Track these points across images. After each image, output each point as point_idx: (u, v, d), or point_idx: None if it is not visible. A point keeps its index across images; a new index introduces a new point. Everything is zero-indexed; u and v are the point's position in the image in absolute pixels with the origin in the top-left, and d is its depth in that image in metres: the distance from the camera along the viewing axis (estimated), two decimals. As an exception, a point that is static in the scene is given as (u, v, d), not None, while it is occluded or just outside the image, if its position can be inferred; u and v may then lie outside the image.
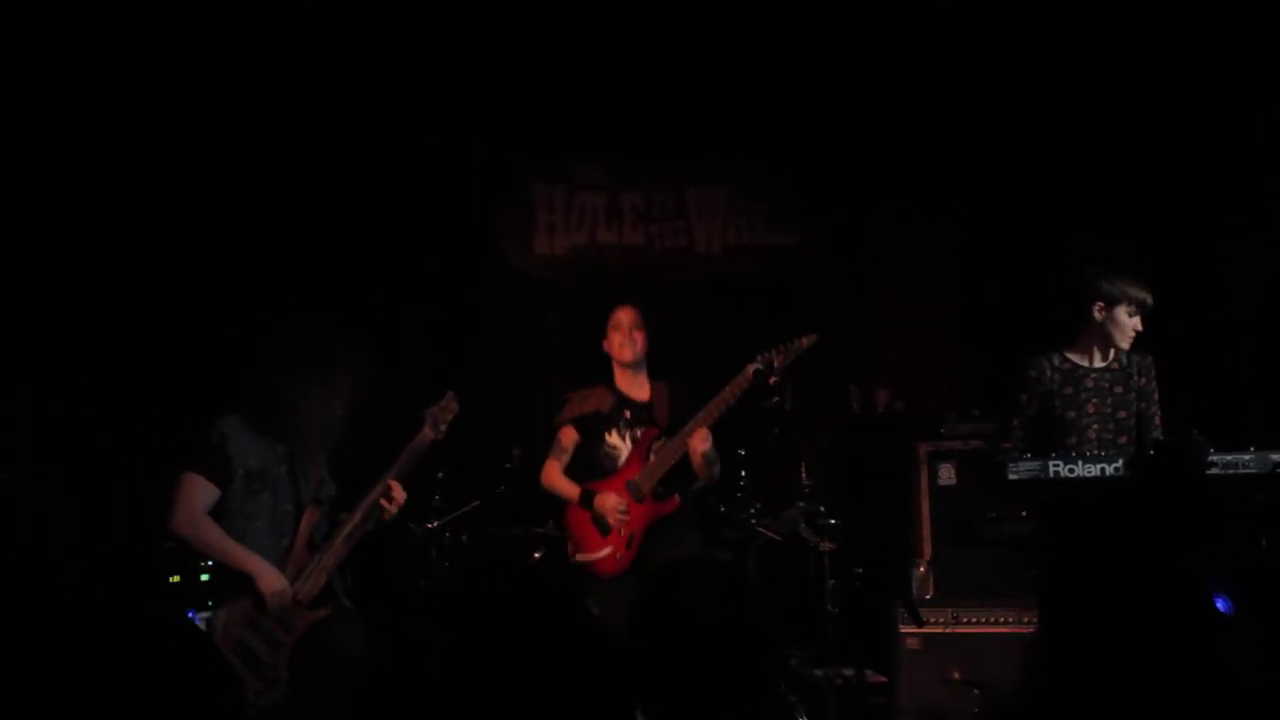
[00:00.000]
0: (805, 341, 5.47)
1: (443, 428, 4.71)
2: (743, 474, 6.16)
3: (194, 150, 6.77)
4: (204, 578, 4.37)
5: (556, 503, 5.96)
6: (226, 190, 6.87)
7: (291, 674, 4.18)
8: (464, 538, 6.21)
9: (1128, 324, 4.87)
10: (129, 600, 1.53)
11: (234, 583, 4.17)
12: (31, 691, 1.39)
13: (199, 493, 4.19)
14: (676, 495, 5.60)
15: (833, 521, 6.07)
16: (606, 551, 5.53)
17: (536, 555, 6.17)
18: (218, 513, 4.23)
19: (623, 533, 5.48)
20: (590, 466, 5.73)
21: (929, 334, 7.67)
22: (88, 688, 1.41)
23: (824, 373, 7.32)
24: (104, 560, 5.82)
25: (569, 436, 5.81)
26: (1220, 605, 4.16)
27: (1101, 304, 4.88)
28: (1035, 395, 4.91)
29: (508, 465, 6.25)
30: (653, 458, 5.58)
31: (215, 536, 4.18)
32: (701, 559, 5.74)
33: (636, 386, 5.80)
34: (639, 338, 5.76)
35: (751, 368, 5.42)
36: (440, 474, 6.20)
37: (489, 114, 7.33)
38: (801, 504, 6.17)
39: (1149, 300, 4.87)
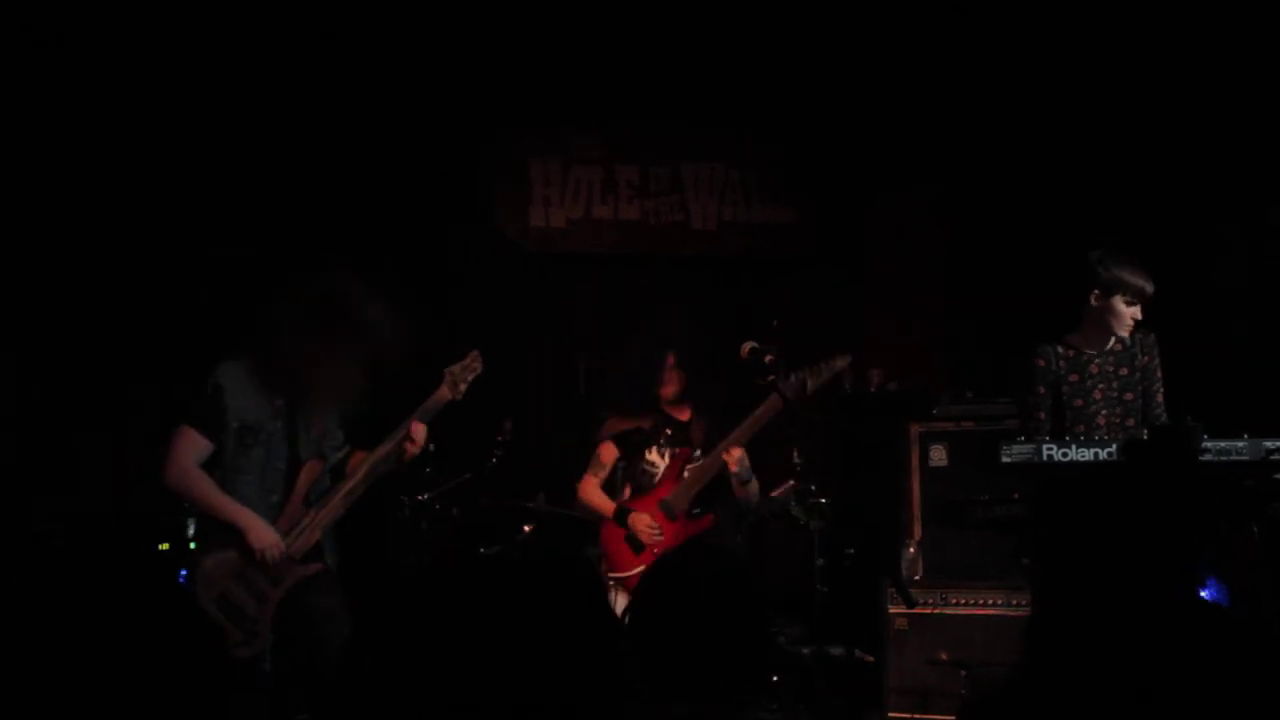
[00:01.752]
0: (839, 363, 5.51)
1: (462, 387, 4.61)
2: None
3: (198, 108, 6.74)
4: (163, 547, 4.31)
5: (549, 477, 6.13)
6: (225, 151, 6.84)
7: (275, 631, 4.15)
8: (455, 511, 6.20)
9: (1125, 313, 4.80)
10: (114, 561, 1.53)
11: (222, 534, 4.11)
12: (21, 646, 1.39)
13: (191, 445, 4.14)
14: (710, 515, 5.67)
15: (823, 500, 6.07)
16: (639, 570, 5.45)
17: (526, 529, 6.17)
18: (209, 465, 4.17)
19: (656, 551, 5.44)
20: (626, 482, 5.82)
21: (921, 314, 7.66)
22: (72, 643, 1.41)
23: (817, 351, 7.31)
24: (90, 525, 5.80)
25: (609, 453, 5.85)
26: (1211, 591, 4.17)
27: (1099, 291, 4.83)
28: (1049, 384, 4.87)
29: (499, 438, 6.23)
30: (686, 476, 5.64)
31: (206, 489, 4.13)
32: (704, 544, 5.78)
33: (677, 410, 5.88)
34: (674, 378, 5.82)
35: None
36: (431, 446, 6.19)
37: (486, 87, 7.29)
38: (792, 483, 6.16)
39: (1149, 289, 4.80)
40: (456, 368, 4.57)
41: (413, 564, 6.06)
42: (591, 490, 5.80)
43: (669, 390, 5.83)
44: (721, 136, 7.77)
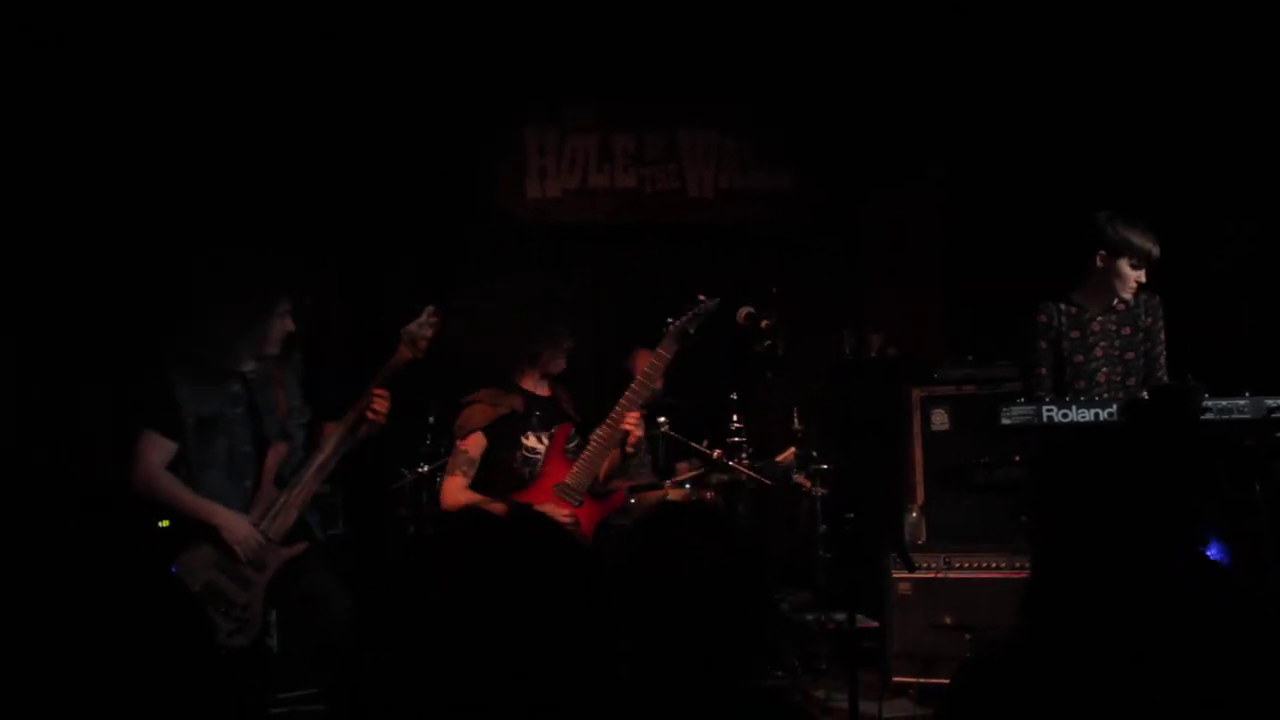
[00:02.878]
0: (707, 304, 5.09)
1: (422, 345, 4.46)
2: (735, 419, 6.13)
3: (184, 101, 6.69)
4: (163, 524, 4.25)
5: None
6: (214, 136, 6.79)
7: (278, 614, 4.14)
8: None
9: (1130, 275, 4.78)
10: (111, 544, 1.51)
11: (197, 528, 4.08)
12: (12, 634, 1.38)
13: (155, 449, 4.08)
14: (619, 486, 5.19)
15: (825, 466, 6.06)
16: None
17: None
18: (174, 463, 4.12)
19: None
20: (500, 476, 5.12)
21: (919, 278, 7.63)
22: (65, 632, 1.39)
23: (817, 317, 7.30)
24: (92, 504, 5.79)
25: (477, 446, 5.11)
26: (1213, 551, 4.16)
27: (1105, 252, 4.80)
28: (1050, 340, 4.85)
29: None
30: (583, 456, 5.04)
31: (175, 491, 4.08)
32: (689, 502, 5.72)
33: (539, 385, 5.29)
34: (563, 358, 5.30)
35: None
36: (431, 418, 6.18)
37: (480, 56, 7.24)
38: (794, 449, 6.15)
39: (1154, 252, 4.77)
40: (413, 326, 4.46)
41: (412, 535, 6.06)
42: (462, 493, 5.05)
43: (558, 367, 5.27)
44: (717, 103, 7.72)
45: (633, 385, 5.06)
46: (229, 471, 4.17)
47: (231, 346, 4.20)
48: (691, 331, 5.06)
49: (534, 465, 5.11)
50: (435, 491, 5.99)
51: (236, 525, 4.09)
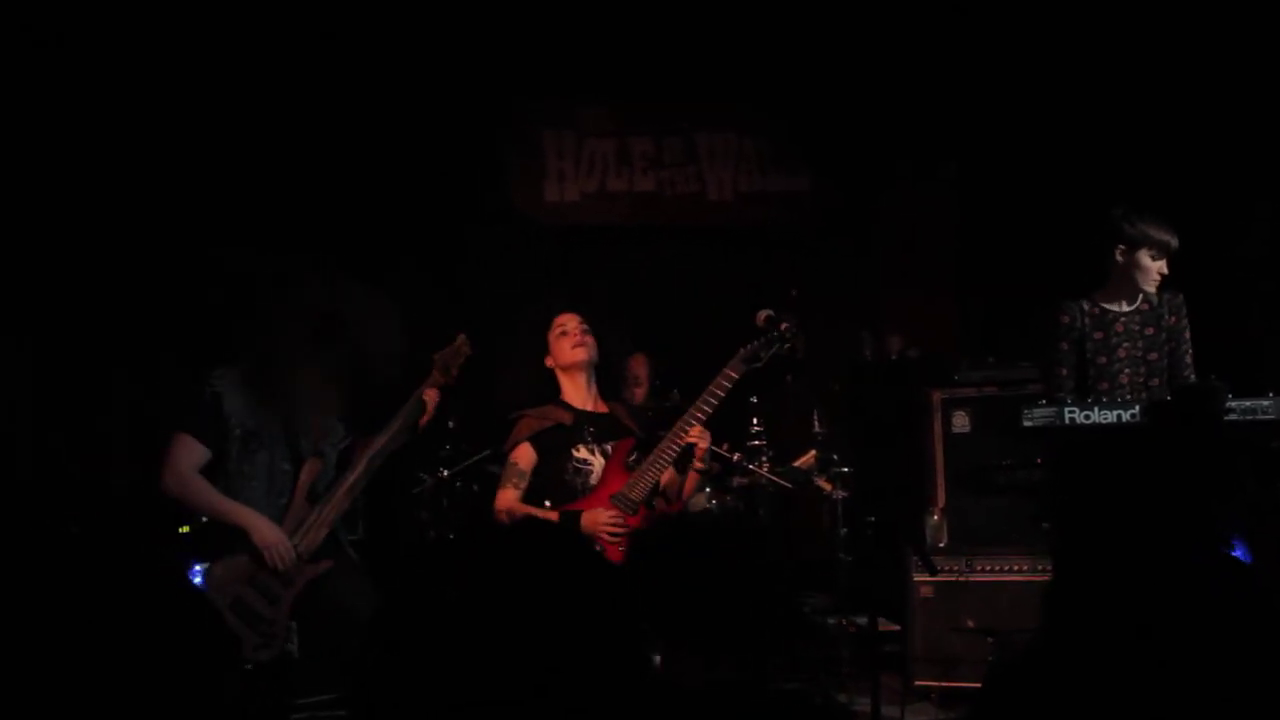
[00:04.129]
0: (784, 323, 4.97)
1: (454, 371, 4.52)
2: (755, 422, 6.11)
3: (200, 94, 6.71)
4: (183, 529, 4.29)
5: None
6: (232, 136, 6.81)
7: (299, 630, 4.15)
8: (475, 487, 6.20)
9: (1151, 268, 4.74)
10: (128, 551, 1.50)
11: (229, 538, 4.11)
12: (22, 639, 1.37)
13: (188, 452, 4.11)
14: (678, 503, 5.11)
15: (845, 469, 6.04)
16: None
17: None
18: (214, 472, 4.14)
19: (620, 549, 4.66)
20: (553, 487, 5.02)
21: (933, 278, 7.61)
22: (76, 638, 1.39)
23: (834, 318, 7.28)
24: (110, 509, 5.81)
25: (526, 458, 5.03)
26: (1237, 552, 4.13)
27: (1124, 246, 4.76)
28: (1072, 341, 4.81)
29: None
30: (642, 467, 4.89)
31: (206, 495, 4.11)
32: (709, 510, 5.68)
33: (592, 400, 5.16)
34: (591, 340, 5.15)
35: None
36: (450, 423, 6.19)
37: (498, 60, 7.25)
38: (814, 452, 6.13)
39: (1174, 243, 4.74)
40: (446, 352, 4.52)
41: (433, 540, 6.06)
42: (515, 504, 4.95)
43: (581, 352, 5.09)
44: (734, 105, 7.72)
45: (698, 401, 4.92)
46: (269, 486, 4.20)
47: (288, 365, 4.22)
48: (764, 357, 4.95)
49: (585, 476, 5.00)
50: (455, 496, 6.00)
51: (268, 530, 4.10)
